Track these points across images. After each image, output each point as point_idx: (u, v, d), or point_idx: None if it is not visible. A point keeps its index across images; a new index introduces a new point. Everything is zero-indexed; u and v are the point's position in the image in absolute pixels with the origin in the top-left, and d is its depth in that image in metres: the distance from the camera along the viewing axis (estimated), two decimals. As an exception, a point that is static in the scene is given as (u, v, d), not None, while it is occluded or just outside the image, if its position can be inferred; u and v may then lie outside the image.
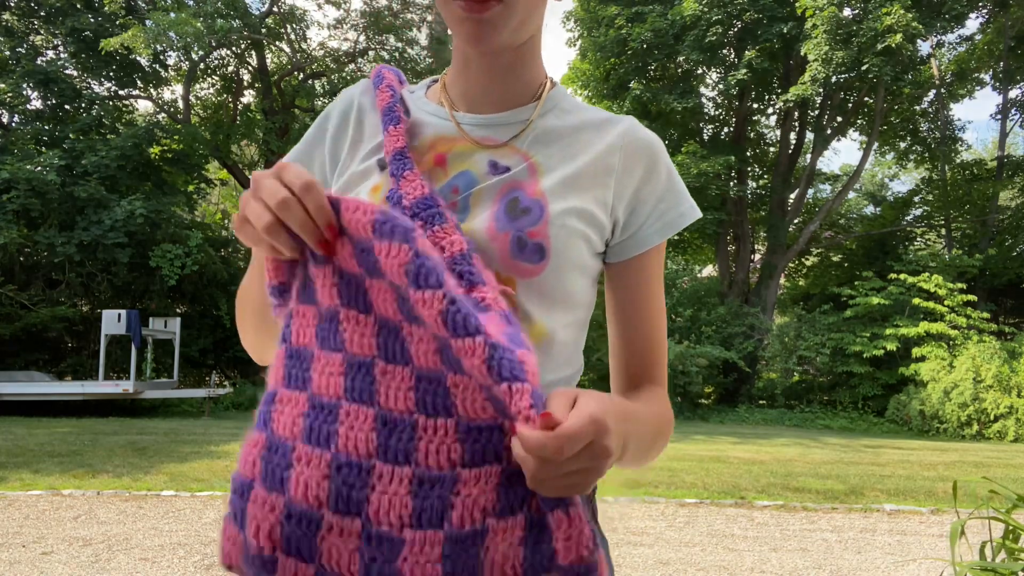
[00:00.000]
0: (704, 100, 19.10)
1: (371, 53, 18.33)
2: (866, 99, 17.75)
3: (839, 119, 18.44)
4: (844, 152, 76.00)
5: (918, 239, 21.09)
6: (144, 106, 20.60)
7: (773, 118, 20.60)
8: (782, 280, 20.82)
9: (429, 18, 18.41)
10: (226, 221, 27.14)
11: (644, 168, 0.81)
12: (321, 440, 0.60)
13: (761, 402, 17.43)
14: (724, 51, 17.68)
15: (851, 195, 24.17)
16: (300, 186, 0.62)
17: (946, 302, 15.05)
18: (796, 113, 18.52)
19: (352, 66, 18.38)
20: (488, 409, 0.58)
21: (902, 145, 20.54)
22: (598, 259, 0.81)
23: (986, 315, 15.42)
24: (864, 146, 18.73)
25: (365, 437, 0.59)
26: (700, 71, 18.83)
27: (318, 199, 0.62)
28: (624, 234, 0.82)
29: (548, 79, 0.85)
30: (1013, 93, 18.55)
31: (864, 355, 15.17)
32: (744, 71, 16.20)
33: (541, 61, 0.84)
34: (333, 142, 0.86)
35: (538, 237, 0.73)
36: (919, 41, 15.85)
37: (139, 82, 17.58)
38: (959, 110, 69.16)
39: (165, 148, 16.73)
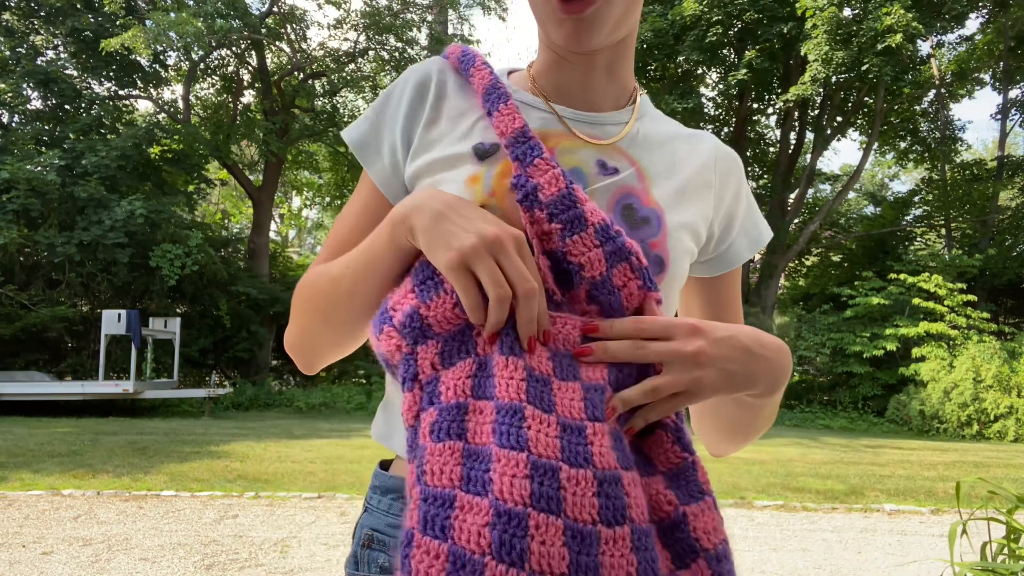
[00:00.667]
0: (704, 100, 19.09)
1: (371, 53, 18.32)
2: (866, 99, 17.75)
3: (839, 119, 18.45)
4: (844, 152, 76.02)
5: (918, 239, 21.09)
6: (144, 106, 20.63)
7: (773, 118, 20.62)
8: (782, 280, 20.83)
9: (429, 18, 18.40)
10: (226, 221, 27.16)
11: (735, 185, 0.81)
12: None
13: (761, 402, 17.44)
14: (724, 51, 17.69)
15: (851, 195, 24.19)
16: (523, 293, 0.60)
17: (946, 302, 15.06)
18: (796, 113, 18.52)
19: (352, 66, 18.37)
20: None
21: (902, 145, 20.55)
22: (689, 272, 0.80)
23: (986, 315, 15.42)
24: (864, 146, 18.74)
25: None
26: (700, 71, 18.84)
27: (531, 312, 0.60)
28: (717, 250, 0.81)
29: (637, 84, 0.83)
30: (1013, 93, 18.57)
31: (864, 355, 15.17)
32: (744, 71, 16.20)
33: (633, 63, 0.81)
34: (407, 121, 0.77)
35: (658, 249, 0.72)
36: (919, 41, 15.86)
37: (139, 82, 17.59)
38: (959, 110, 69.27)
39: (165, 148, 16.73)
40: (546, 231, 0.65)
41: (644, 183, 0.74)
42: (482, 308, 0.61)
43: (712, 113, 20.40)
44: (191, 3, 15.74)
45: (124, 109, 17.59)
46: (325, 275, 0.73)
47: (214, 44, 16.16)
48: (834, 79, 15.50)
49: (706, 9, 15.99)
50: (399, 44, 17.77)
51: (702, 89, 19.37)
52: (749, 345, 0.64)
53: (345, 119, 18.73)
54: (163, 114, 18.42)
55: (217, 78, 19.38)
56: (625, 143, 0.76)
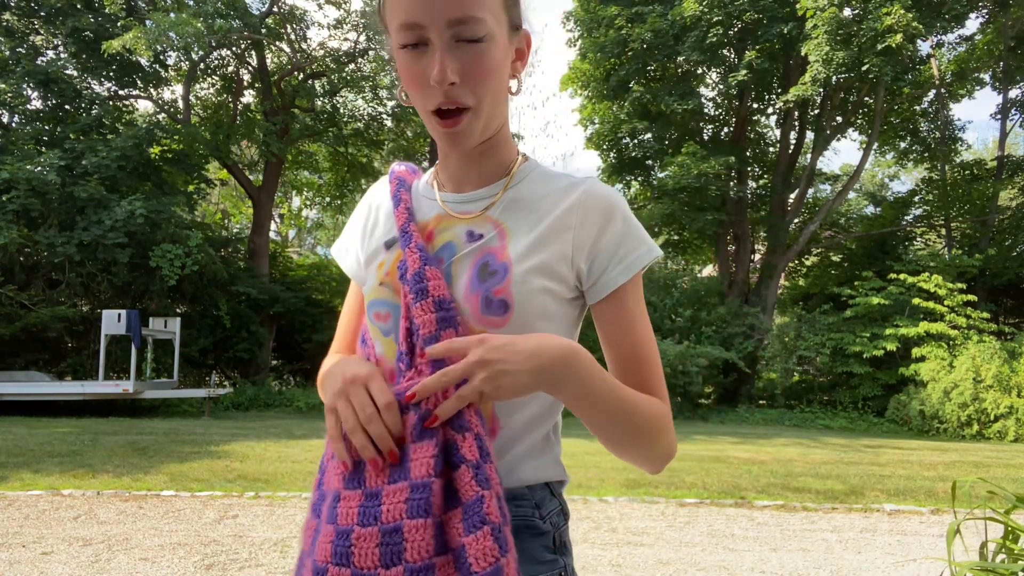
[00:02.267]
0: (704, 100, 19.09)
1: (371, 53, 18.31)
2: (866, 99, 17.75)
3: (839, 119, 18.45)
4: (844, 152, 76.04)
5: (918, 239, 21.09)
6: (144, 106, 20.62)
7: (773, 118, 20.61)
8: (782, 280, 20.82)
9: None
10: (226, 221, 27.16)
11: (600, 221, 0.92)
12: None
13: (761, 402, 17.44)
14: (724, 51, 17.68)
15: (851, 195, 24.19)
16: (383, 404, 0.80)
17: (946, 302, 15.06)
18: (796, 113, 18.52)
19: (352, 66, 18.37)
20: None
21: (902, 145, 20.54)
22: (570, 304, 0.94)
23: (986, 315, 15.42)
24: (864, 146, 18.74)
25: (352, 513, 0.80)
26: (700, 71, 18.84)
27: (394, 420, 0.80)
28: (590, 280, 0.93)
29: (520, 155, 0.99)
30: (1013, 93, 18.56)
31: (864, 355, 15.17)
32: (745, 72, 16.20)
33: (511, 142, 0.99)
34: (362, 233, 1.05)
35: (501, 294, 0.87)
36: (919, 41, 15.85)
37: (139, 82, 17.58)
38: (959, 110, 69.21)
39: (165, 148, 16.73)
40: (406, 301, 0.88)
41: (503, 241, 0.91)
42: (340, 441, 0.81)
43: (712, 113, 20.40)
44: (191, 3, 15.73)
45: (124, 109, 17.59)
46: (326, 376, 0.95)
47: (214, 44, 16.16)
48: (834, 79, 15.49)
49: (706, 10, 15.99)
50: (399, 44, 17.75)
51: (702, 89, 19.36)
52: (528, 348, 0.80)
53: (345, 119, 18.73)
54: (163, 114, 18.42)
55: (217, 78, 19.38)
56: (494, 210, 0.94)
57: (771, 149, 20.91)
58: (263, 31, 17.00)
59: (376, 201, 1.05)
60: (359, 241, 1.05)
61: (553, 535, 0.91)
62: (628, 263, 0.92)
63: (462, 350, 0.80)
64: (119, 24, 15.58)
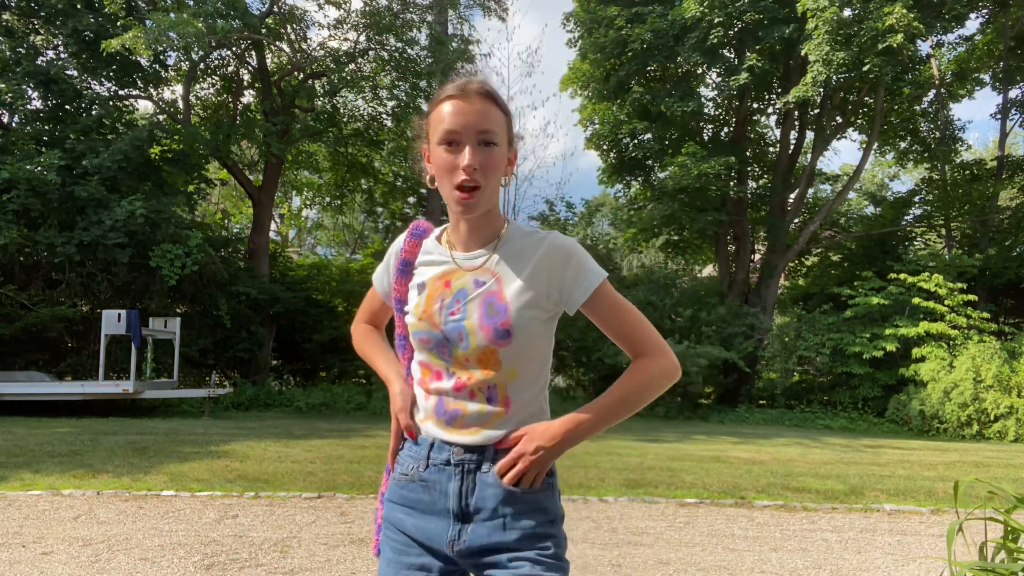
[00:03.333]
0: (704, 100, 19.08)
1: (371, 53, 18.30)
2: (866, 99, 17.75)
3: (839, 119, 18.44)
4: (844, 152, 76.03)
5: (918, 239, 21.08)
6: (144, 106, 20.60)
7: (773, 118, 20.60)
8: (782, 280, 20.81)
9: (429, 18, 18.38)
10: (226, 221, 27.15)
11: (560, 263, 1.35)
12: None
13: (761, 402, 17.44)
14: (724, 50, 17.67)
15: (851, 195, 24.18)
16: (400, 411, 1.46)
17: (946, 302, 15.05)
18: (796, 113, 18.51)
19: (352, 66, 18.36)
20: None
21: (902, 145, 20.54)
22: (551, 320, 1.39)
23: (986, 315, 15.41)
24: (864, 146, 18.74)
25: None
26: (700, 71, 18.83)
27: (406, 423, 1.44)
28: (563, 302, 1.37)
29: (506, 221, 1.41)
30: (1013, 93, 18.56)
31: (864, 356, 15.16)
32: (745, 75, 16.18)
33: (500, 214, 1.42)
34: (387, 270, 1.54)
35: (505, 326, 1.31)
36: (919, 41, 15.84)
37: (139, 82, 17.57)
38: (959, 110, 69.21)
39: (165, 148, 16.72)
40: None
41: (500, 286, 1.34)
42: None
43: (712, 113, 20.39)
44: (191, 3, 15.72)
45: (124, 109, 17.58)
46: (361, 350, 1.63)
47: (214, 44, 16.15)
48: (834, 80, 15.48)
49: (707, 11, 15.97)
50: (399, 44, 17.74)
51: (702, 89, 19.35)
52: (560, 430, 1.33)
53: (345, 119, 18.72)
54: (163, 114, 18.41)
55: (217, 78, 19.36)
56: (491, 263, 1.37)
57: (771, 149, 20.89)
58: (263, 31, 16.98)
59: (401, 250, 1.49)
60: (385, 274, 1.53)
61: (553, 482, 1.39)
62: (584, 287, 1.36)
63: (524, 445, 1.33)
64: (119, 24, 15.56)
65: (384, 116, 19.34)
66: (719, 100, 19.77)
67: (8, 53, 15.26)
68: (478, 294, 1.34)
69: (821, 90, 16.02)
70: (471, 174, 1.28)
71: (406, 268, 1.45)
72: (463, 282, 1.36)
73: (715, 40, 16.24)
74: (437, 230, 1.48)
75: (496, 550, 1.30)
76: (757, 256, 20.62)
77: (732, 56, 17.95)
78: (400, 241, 1.49)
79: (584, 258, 1.36)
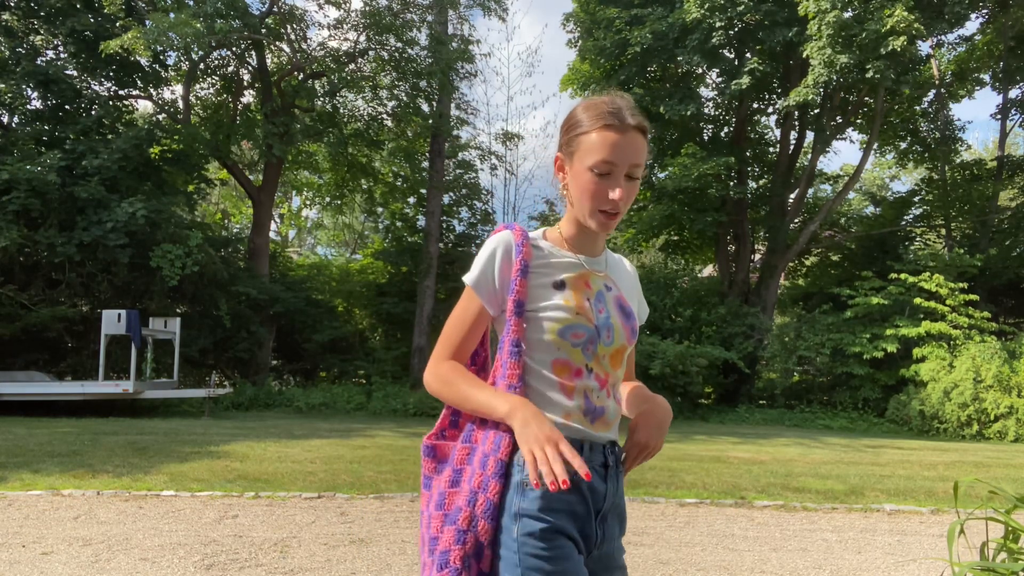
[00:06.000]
0: (704, 100, 19.06)
1: (371, 53, 18.30)
2: (866, 99, 17.74)
3: (839, 119, 18.44)
4: (844, 152, 76.01)
5: (918, 239, 21.08)
6: (144, 106, 20.60)
7: (773, 118, 20.59)
8: (782, 280, 20.81)
9: (429, 18, 18.38)
10: (226, 221, 27.15)
11: (639, 287, 1.59)
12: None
13: (761, 402, 17.43)
14: (725, 51, 17.66)
15: (851, 195, 24.16)
16: (557, 472, 1.22)
17: (948, 301, 15.04)
18: (796, 113, 18.51)
19: (352, 66, 18.36)
20: None
21: (902, 145, 20.53)
22: None
23: (987, 315, 15.41)
24: (864, 146, 18.73)
25: None
26: (700, 71, 18.82)
27: (560, 470, 1.22)
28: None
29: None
30: (1013, 93, 18.56)
31: (864, 356, 15.15)
32: (747, 78, 16.16)
33: None
34: (500, 273, 1.42)
35: (634, 327, 1.47)
36: (919, 41, 15.83)
37: (139, 82, 17.57)
38: (959, 110, 69.17)
39: (165, 148, 16.72)
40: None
41: (621, 292, 1.48)
42: (534, 467, 1.23)
43: (712, 114, 20.38)
44: (191, 3, 15.72)
45: (124, 109, 17.58)
46: (450, 391, 1.40)
47: (214, 44, 16.14)
48: (836, 81, 15.46)
49: (708, 13, 15.96)
50: (399, 44, 17.74)
51: (702, 89, 19.33)
52: (663, 417, 1.44)
53: (345, 119, 18.72)
54: (163, 114, 18.40)
55: (217, 78, 19.36)
56: (609, 271, 1.49)
57: (771, 149, 20.89)
58: (263, 31, 16.99)
59: (512, 250, 1.42)
60: (495, 278, 1.42)
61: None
62: (642, 315, 1.58)
63: (644, 440, 1.42)
64: (118, 24, 15.56)
65: (384, 116, 19.33)
66: (719, 100, 19.76)
67: (8, 53, 15.26)
68: (611, 296, 1.44)
69: (821, 91, 16.00)
70: (615, 205, 1.35)
71: (526, 270, 1.41)
72: (598, 284, 1.44)
73: (716, 41, 16.22)
74: (535, 232, 1.50)
75: (615, 547, 1.41)
76: (757, 256, 20.61)
77: (732, 56, 17.93)
78: (511, 242, 1.43)
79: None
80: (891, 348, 14.80)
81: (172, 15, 14.68)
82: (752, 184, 20.71)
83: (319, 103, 18.24)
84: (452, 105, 19.24)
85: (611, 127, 1.33)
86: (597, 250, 1.47)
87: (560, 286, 1.39)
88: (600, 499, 1.34)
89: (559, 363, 1.36)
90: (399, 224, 21.33)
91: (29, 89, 15.40)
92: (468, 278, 1.43)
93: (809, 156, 19.02)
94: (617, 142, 1.33)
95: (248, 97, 19.88)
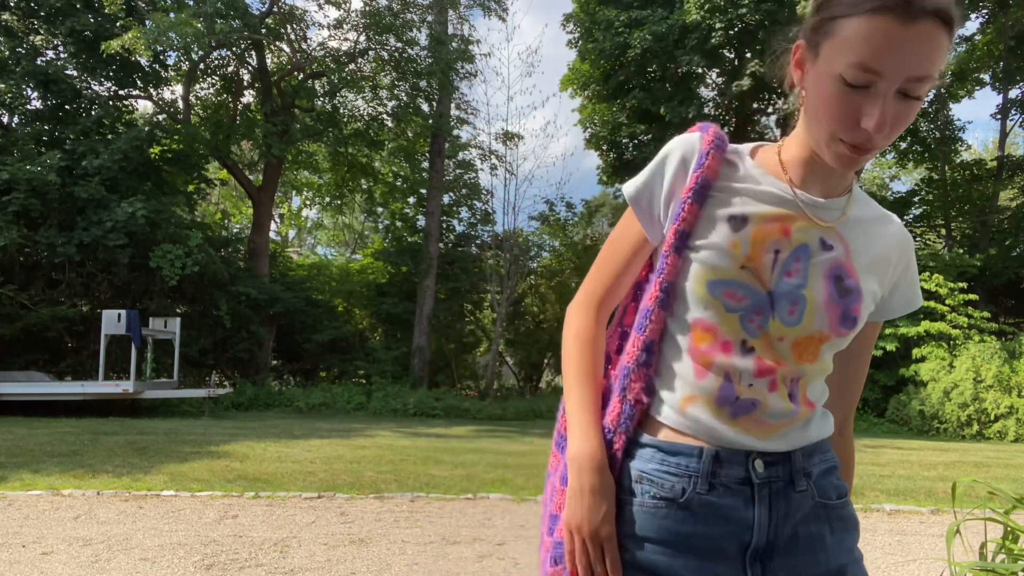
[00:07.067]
0: (704, 100, 19.06)
1: (371, 53, 18.31)
2: (866, 99, 17.73)
3: (839, 119, 18.41)
4: (844, 152, 75.76)
5: (918, 239, 21.10)
6: (144, 106, 20.61)
7: (773, 118, 20.59)
8: (782, 280, 20.80)
9: (429, 18, 18.39)
10: (226, 221, 27.16)
11: (906, 262, 1.07)
12: None
13: (761, 402, 17.43)
14: (725, 50, 17.65)
15: (851, 195, 24.18)
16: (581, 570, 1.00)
17: (947, 301, 15.05)
18: (796, 113, 18.50)
19: (352, 66, 18.36)
20: None
21: (902, 145, 20.54)
22: None
23: (987, 315, 15.41)
24: (864, 146, 18.72)
25: None
26: (700, 71, 18.81)
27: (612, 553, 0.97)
28: (880, 304, 1.07)
29: (854, 175, 1.04)
30: (1013, 93, 18.56)
31: (864, 356, 15.15)
32: (748, 80, 16.16)
33: None
34: (670, 188, 1.04)
35: (855, 312, 0.99)
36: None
37: (139, 82, 17.58)
38: (959, 110, 69.18)
39: (165, 148, 16.73)
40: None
41: (849, 259, 1.00)
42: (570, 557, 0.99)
43: (712, 113, 20.38)
44: (191, 3, 15.73)
45: (124, 109, 17.58)
46: (565, 366, 1.08)
47: (214, 44, 16.15)
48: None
49: (707, 15, 15.96)
50: (399, 44, 17.76)
51: (702, 89, 19.33)
52: None
53: (345, 119, 18.73)
54: (163, 114, 18.41)
55: (217, 78, 19.37)
56: (841, 226, 1.01)
57: (771, 149, 20.88)
58: (263, 31, 16.99)
59: (693, 160, 1.02)
60: (659, 194, 1.04)
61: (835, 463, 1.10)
62: (906, 302, 1.09)
63: None
64: (119, 24, 15.56)
65: (384, 116, 19.34)
66: (719, 100, 19.76)
67: (8, 53, 15.26)
68: (825, 259, 0.98)
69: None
70: (872, 138, 0.89)
71: (703, 191, 1.01)
72: (807, 236, 0.98)
73: (715, 41, 16.22)
74: (748, 146, 1.07)
75: None
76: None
77: (732, 56, 17.93)
78: (695, 149, 1.03)
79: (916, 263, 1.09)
80: (891, 348, 14.81)
81: (172, 15, 14.68)
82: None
83: (319, 103, 18.25)
84: (452, 105, 19.26)
85: (889, 10, 0.84)
86: (832, 189, 1.01)
87: (740, 222, 0.98)
88: (746, 530, 0.96)
89: (702, 326, 0.98)
90: (399, 224, 21.34)
91: (29, 89, 15.41)
92: (628, 189, 1.07)
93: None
94: (893, 38, 0.84)
95: (248, 97, 19.91)
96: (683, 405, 0.98)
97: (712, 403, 0.97)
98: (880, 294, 1.04)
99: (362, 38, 18.17)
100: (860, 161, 0.92)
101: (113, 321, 12.25)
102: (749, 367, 0.96)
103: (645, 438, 1.01)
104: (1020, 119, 19.54)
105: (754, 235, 0.97)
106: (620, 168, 20.17)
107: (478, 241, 20.42)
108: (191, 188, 18.14)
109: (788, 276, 0.96)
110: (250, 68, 18.96)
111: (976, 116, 61.43)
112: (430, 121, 18.23)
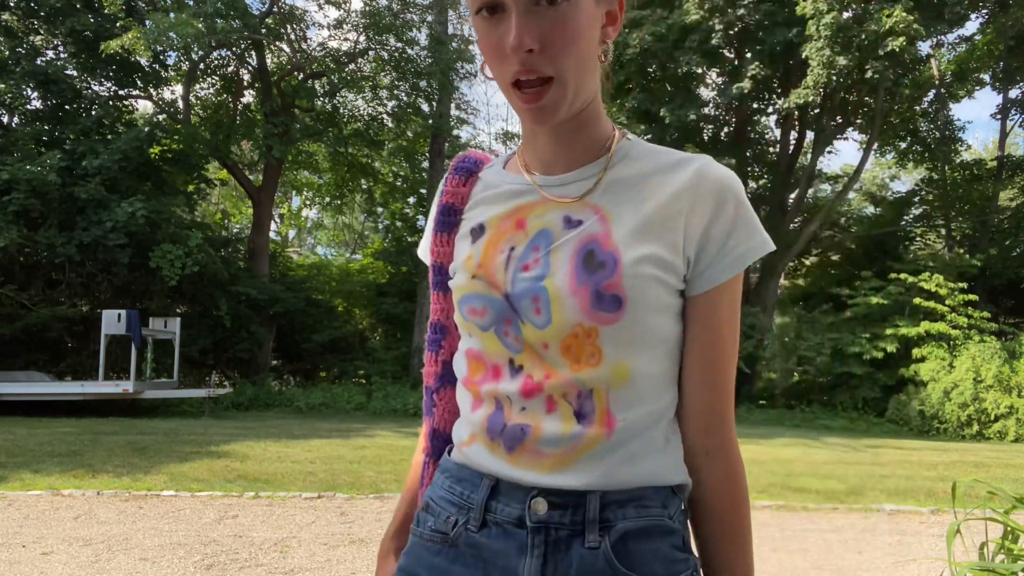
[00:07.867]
0: (704, 100, 19.06)
1: (371, 53, 18.31)
2: (866, 99, 17.74)
3: (839, 119, 18.43)
4: (844, 152, 76.01)
5: (918, 239, 21.09)
6: (144, 106, 20.60)
7: (773, 118, 20.60)
8: (782, 280, 20.82)
9: (429, 18, 18.39)
10: (226, 221, 27.16)
11: (712, 207, 0.83)
12: None
13: (761, 402, 17.43)
14: (725, 51, 17.65)
15: (851, 195, 24.18)
16: None
17: (947, 301, 15.05)
18: (796, 113, 18.51)
19: (352, 66, 18.37)
20: None
21: (902, 145, 20.54)
22: (679, 296, 0.85)
23: (986, 315, 15.42)
24: (864, 146, 18.74)
25: None
26: (700, 71, 18.82)
27: None
28: (695, 271, 0.84)
29: (617, 131, 0.90)
30: (1013, 93, 18.56)
31: (864, 356, 15.16)
32: (748, 81, 16.16)
33: (605, 118, 0.90)
34: (435, 228, 0.98)
35: (613, 289, 0.79)
36: (918, 42, 15.84)
37: (139, 82, 17.58)
38: (959, 110, 69.18)
39: (165, 148, 16.73)
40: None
41: (607, 226, 0.82)
42: None
43: (712, 113, 20.38)
44: (191, 3, 15.73)
45: (124, 109, 17.59)
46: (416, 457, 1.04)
47: (214, 44, 16.15)
48: (835, 82, 15.46)
49: (707, 15, 15.96)
50: (399, 44, 17.76)
51: (702, 90, 19.33)
52: None
53: (345, 119, 18.74)
54: (163, 114, 18.41)
55: (217, 78, 19.37)
56: (594, 195, 0.85)
57: (771, 149, 20.89)
58: (263, 31, 16.99)
59: (442, 193, 0.96)
60: (425, 240, 0.98)
61: (682, 534, 0.87)
62: (737, 255, 0.84)
63: None
64: (118, 24, 15.57)
65: (384, 116, 19.35)
66: (719, 101, 19.76)
67: (8, 53, 15.26)
68: (570, 238, 0.83)
69: (821, 91, 16.00)
70: (526, 59, 0.77)
71: (449, 217, 0.93)
72: (546, 220, 0.85)
73: (715, 41, 16.22)
74: (502, 156, 0.98)
75: None
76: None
77: (732, 56, 17.93)
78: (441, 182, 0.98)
79: (746, 205, 0.86)
80: (891, 348, 14.80)
81: (172, 15, 14.68)
82: (752, 184, 20.70)
83: (319, 103, 18.25)
84: (452, 105, 19.26)
85: None
86: (577, 157, 0.87)
87: (478, 232, 0.89)
88: None
89: (471, 355, 0.89)
90: (399, 224, 21.34)
91: (29, 89, 15.41)
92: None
93: (809, 156, 19.02)
94: None
95: (248, 97, 19.91)
96: (467, 443, 0.87)
97: (485, 437, 0.85)
98: (672, 258, 0.81)
99: (362, 38, 18.18)
100: (545, 105, 0.79)
101: (113, 321, 12.25)
102: (515, 388, 0.82)
103: (445, 461, 0.93)
104: (1020, 119, 19.54)
105: (489, 240, 0.87)
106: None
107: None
108: (191, 188, 18.14)
109: (525, 271, 0.83)
110: (250, 68, 18.96)
111: (976, 116, 61.49)
112: (430, 121, 18.23)
